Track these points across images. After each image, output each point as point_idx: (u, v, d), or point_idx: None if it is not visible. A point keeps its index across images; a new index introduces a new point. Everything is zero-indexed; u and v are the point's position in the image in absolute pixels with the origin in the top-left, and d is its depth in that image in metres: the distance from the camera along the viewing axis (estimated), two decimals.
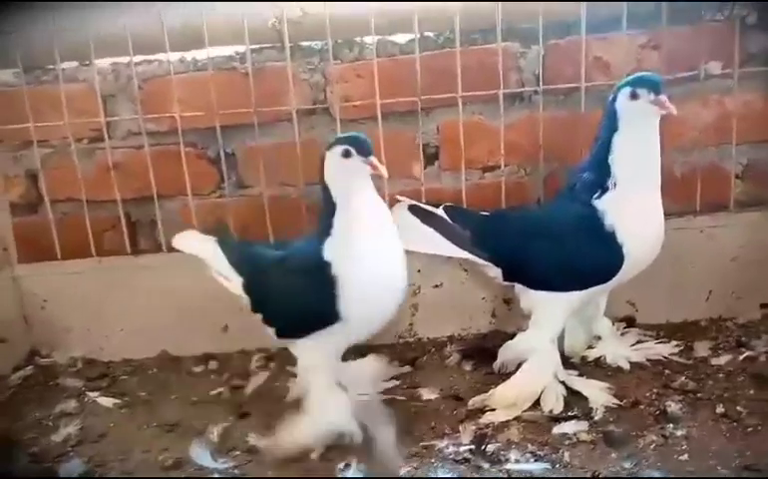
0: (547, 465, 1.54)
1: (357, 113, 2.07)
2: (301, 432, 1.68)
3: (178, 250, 2.15)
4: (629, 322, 2.10)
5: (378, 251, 1.62)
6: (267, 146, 2.10)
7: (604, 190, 1.75)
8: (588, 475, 1.49)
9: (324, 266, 1.62)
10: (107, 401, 1.97)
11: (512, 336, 1.97)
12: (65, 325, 2.21)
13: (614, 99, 1.72)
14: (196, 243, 1.94)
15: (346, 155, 1.58)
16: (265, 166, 2.10)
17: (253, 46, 2.05)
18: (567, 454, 1.56)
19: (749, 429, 1.60)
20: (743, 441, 1.56)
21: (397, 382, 1.92)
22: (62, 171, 2.17)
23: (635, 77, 1.69)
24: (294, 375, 2.01)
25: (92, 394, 2.00)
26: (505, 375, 1.88)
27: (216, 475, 1.59)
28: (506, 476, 1.51)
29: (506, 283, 1.96)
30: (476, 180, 2.12)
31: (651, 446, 1.57)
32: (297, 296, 1.68)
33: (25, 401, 2.02)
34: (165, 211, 2.18)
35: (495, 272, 1.94)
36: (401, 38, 2.06)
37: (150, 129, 2.12)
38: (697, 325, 2.08)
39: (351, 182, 1.60)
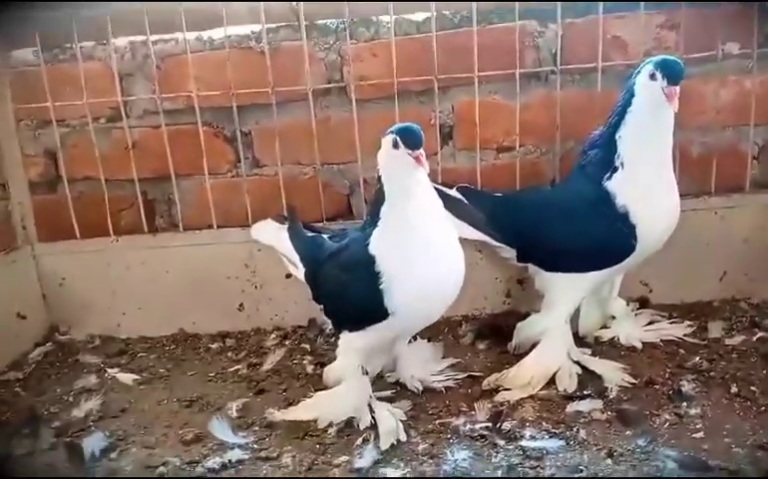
0: (561, 442, 1.55)
1: (373, 92, 2.08)
2: (316, 407, 1.72)
3: (194, 229, 2.20)
4: (643, 303, 2.11)
5: (425, 246, 1.58)
6: (283, 125, 2.11)
7: (614, 169, 1.75)
8: (603, 452, 1.50)
9: (369, 261, 1.60)
10: (126, 377, 1.99)
11: (525, 316, 1.99)
12: (83, 303, 2.24)
13: (636, 74, 1.71)
14: (272, 233, 1.98)
15: (395, 145, 1.55)
16: (281, 145, 2.11)
17: (270, 25, 2.06)
18: (582, 432, 1.57)
19: (763, 409, 1.60)
20: (757, 420, 1.56)
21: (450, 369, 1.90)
22: (80, 150, 2.20)
23: (661, 59, 1.67)
24: (309, 353, 2.05)
25: (111, 371, 2.03)
26: (519, 355, 1.89)
27: (237, 449, 1.61)
28: (521, 453, 1.53)
29: (520, 264, 1.98)
30: (491, 160, 2.12)
31: (666, 425, 1.58)
32: (345, 292, 1.68)
33: (46, 377, 2.05)
34: (181, 189, 2.21)
35: (509, 253, 1.96)
36: (418, 16, 2.06)
37: (166, 108, 2.13)
38: (711, 306, 2.09)
39: (400, 173, 1.56)
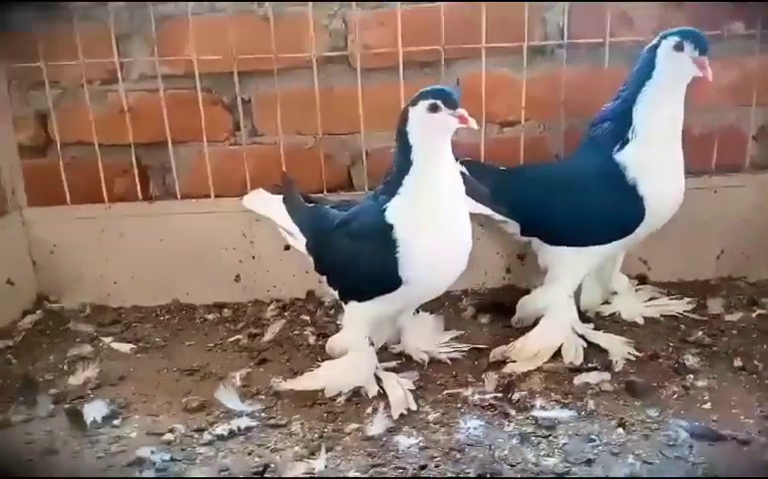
0: (572, 412, 1.55)
1: (378, 62, 2.05)
2: (323, 376, 1.70)
3: (190, 198, 2.16)
4: (642, 280, 2.12)
5: (444, 216, 1.57)
6: (284, 94, 2.07)
7: (625, 141, 1.76)
8: (614, 422, 1.51)
9: (386, 230, 1.57)
10: (122, 346, 1.95)
11: (525, 292, 2.00)
12: (74, 271, 2.18)
13: (656, 46, 1.71)
14: (265, 202, 1.94)
15: (433, 109, 1.52)
16: (281, 114, 2.07)
17: None
18: (591, 402, 1.58)
19: (767, 382, 1.63)
20: (763, 393, 1.59)
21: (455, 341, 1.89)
22: (72, 113, 2.13)
23: (684, 29, 1.69)
24: (310, 325, 2.03)
25: (105, 339, 1.98)
26: (522, 329, 1.89)
27: (245, 416, 1.58)
28: (533, 422, 1.53)
29: (521, 240, 1.98)
30: (494, 134, 2.11)
31: (674, 396, 1.60)
32: (357, 261, 1.64)
33: (37, 345, 1.99)
34: (177, 157, 2.15)
35: (513, 228, 1.95)
36: None
37: (163, 72, 2.07)
38: (708, 284, 2.11)
39: (435, 139, 1.54)
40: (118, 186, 2.18)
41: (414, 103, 1.55)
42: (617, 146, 1.76)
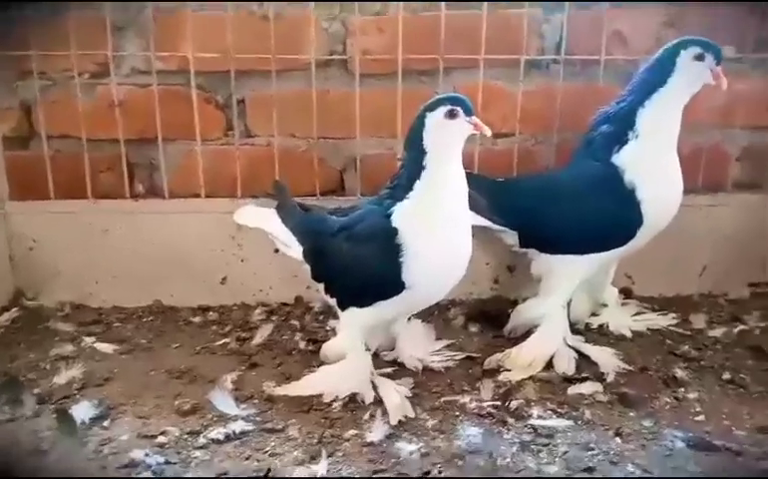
0: (569, 422, 1.57)
1: (375, 68, 2.04)
2: (320, 381, 1.68)
3: (176, 197, 2.11)
4: (626, 294, 2.16)
5: (451, 223, 1.58)
6: (279, 95, 2.04)
7: (623, 143, 1.78)
8: (611, 432, 1.53)
9: (391, 233, 1.57)
10: (105, 347, 1.89)
11: (513, 303, 2.02)
12: (53, 268, 2.11)
13: (675, 53, 1.74)
14: (257, 216, 1.90)
15: (451, 115, 1.53)
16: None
17: None
18: (587, 412, 1.60)
19: (755, 395, 1.67)
20: (752, 405, 1.63)
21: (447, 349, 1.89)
22: (58, 105, 2.07)
23: (702, 40, 1.73)
24: (299, 330, 2.00)
25: (87, 339, 1.92)
26: (514, 339, 1.90)
27: (240, 420, 1.55)
28: (532, 430, 1.54)
29: (512, 251, 1.99)
30: (488, 145, 2.12)
31: (666, 407, 1.63)
32: (360, 265, 1.63)
33: (15, 343, 1.91)
34: (164, 155, 2.10)
35: (512, 239, 1.95)
36: None
37: (156, 67, 2.03)
38: (689, 300, 2.16)
39: (450, 144, 1.55)
40: (102, 182, 2.12)
41: (432, 108, 1.55)
42: (615, 147, 1.78)
